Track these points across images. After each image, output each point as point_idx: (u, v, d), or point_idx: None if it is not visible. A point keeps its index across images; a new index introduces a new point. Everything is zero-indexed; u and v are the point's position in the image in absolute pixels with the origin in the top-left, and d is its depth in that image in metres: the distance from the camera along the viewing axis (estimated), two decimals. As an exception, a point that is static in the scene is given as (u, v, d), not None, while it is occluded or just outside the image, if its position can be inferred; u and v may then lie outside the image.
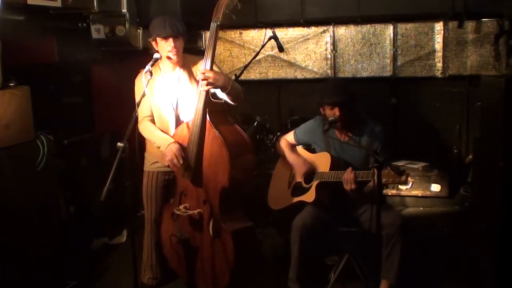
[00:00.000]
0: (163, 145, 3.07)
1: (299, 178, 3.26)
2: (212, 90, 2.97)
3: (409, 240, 2.93)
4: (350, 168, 2.92)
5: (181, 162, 3.01)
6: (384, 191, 4.30)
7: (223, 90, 2.92)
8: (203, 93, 2.93)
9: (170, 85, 3.16)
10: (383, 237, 2.91)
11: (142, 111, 3.19)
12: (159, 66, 3.17)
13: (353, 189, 2.90)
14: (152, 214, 3.31)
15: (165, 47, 3.03)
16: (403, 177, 2.62)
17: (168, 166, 3.18)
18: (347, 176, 2.90)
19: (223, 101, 3.04)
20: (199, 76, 2.91)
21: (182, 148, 3.05)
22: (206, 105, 2.94)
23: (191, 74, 3.16)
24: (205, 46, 4.81)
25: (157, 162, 3.27)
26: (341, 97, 3.07)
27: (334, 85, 3.31)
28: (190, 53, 3.26)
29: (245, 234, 3.04)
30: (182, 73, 3.17)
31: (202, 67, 2.95)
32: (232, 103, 3.06)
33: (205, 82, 2.86)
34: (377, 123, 3.21)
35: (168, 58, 3.07)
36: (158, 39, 3.04)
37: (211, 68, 2.92)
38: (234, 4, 2.94)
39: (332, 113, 3.07)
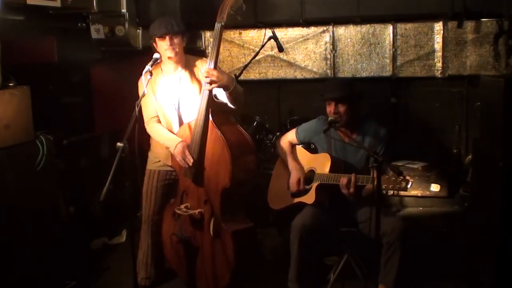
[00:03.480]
0: (172, 146, 3.07)
1: (293, 188, 3.21)
2: (214, 91, 2.97)
3: (409, 243, 2.91)
4: (345, 175, 2.90)
5: (192, 160, 3.00)
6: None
7: (225, 89, 2.91)
8: (206, 93, 2.93)
9: (172, 85, 3.17)
10: (383, 244, 2.89)
11: (148, 113, 3.20)
12: (161, 67, 3.18)
13: (351, 194, 2.88)
14: (149, 212, 3.31)
15: (163, 46, 3.05)
16: (403, 184, 2.59)
17: (171, 166, 3.18)
18: (343, 182, 2.89)
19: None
20: (202, 75, 2.91)
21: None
22: (209, 105, 2.95)
23: (192, 75, 3.17)
24: (205, 46, 4.83)
25: (159, 161, 3.28)
26: (343, 93, 3.05)
27: (338, 81, 3.29)
28: (189, 53, 3.26)
29: (245, 234, 3.04)
30: (183, 74, 3.17)
31: (206, 67, 2.95)
32: (232, 106, 3.04)
33: (208, 80, 2.86)
34: (381, 125, 3.17)
35: (169, 58, 3.08)
36: (156, 39, 3.06)
37: (215, 68, 2.92)
38: (239, 5, 2.94)
39: (334, 109, 3.05)
